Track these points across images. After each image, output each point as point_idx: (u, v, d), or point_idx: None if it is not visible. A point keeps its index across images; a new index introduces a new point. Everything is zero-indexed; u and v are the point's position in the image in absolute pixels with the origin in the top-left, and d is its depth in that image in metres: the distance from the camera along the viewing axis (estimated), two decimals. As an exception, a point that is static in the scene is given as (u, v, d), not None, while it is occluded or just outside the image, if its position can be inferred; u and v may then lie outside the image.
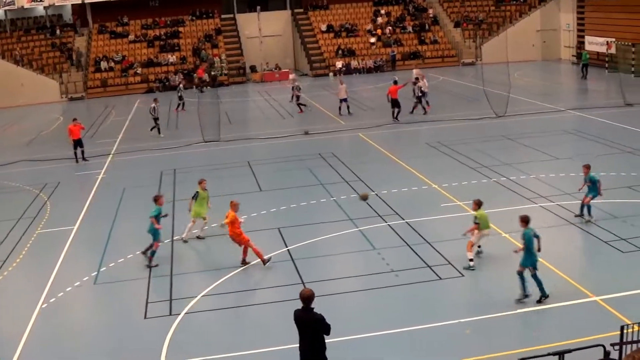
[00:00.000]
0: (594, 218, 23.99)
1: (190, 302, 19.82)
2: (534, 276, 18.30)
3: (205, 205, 25.25)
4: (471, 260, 20.87)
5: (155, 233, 22.96)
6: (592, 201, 23.94)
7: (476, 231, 20.98)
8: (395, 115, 44.39)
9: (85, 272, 22.61)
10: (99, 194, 31.74)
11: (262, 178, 32.64)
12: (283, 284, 20.71)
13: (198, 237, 25.13)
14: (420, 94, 46.08)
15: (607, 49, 62.36)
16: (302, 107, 50.48)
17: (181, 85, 57.15)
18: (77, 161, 38.63)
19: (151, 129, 44.93)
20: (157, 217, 23.06)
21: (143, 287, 21.15)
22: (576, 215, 24.33)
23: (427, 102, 46.61)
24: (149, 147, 41.44)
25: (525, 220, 18.73)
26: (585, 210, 24.24)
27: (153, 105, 44.57)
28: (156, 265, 22.80)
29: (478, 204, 21.12)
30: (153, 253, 23.01)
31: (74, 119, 39.74)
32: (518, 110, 44.55)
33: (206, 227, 25.33)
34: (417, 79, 47.18)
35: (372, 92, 59.20)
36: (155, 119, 44.74)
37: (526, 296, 18.36)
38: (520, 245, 18.74)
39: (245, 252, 22.21)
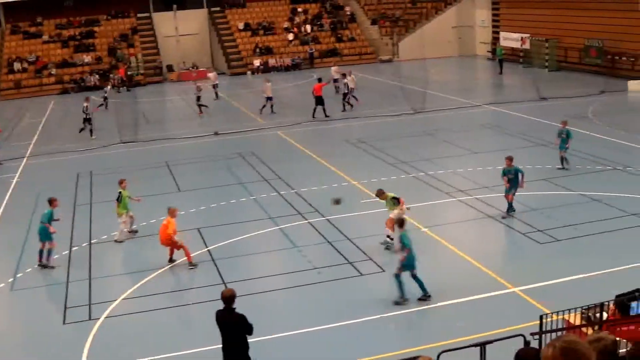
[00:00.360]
0: (515, 212, 24.25)
1: (110, 305, 19.53)
2: (414, 277, 18.41)
3: (129, 204, 25.11)
4: (389, 236, 21.71)
5: (46, 235, 22.65)
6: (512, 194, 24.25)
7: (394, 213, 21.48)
8: (314, 113, 44.34)
9: (1, 278, 22.11)
10: (14, 198, 31.07)
11: (180, 178, 32.34)
12: (204, 284, 20.54)
13: (115, 241, 24.84)
14: (347, 90, 46.28)
15: (521, 45, 63.39)
16: (202, 108, 49.55)
17: (108, 87, 56.17)
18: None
19: (80, 131, 43.69)
20: (50, 221, 22.78)
21: (61, 292, 20.75)
22: (503, 217, 24.21)
23: (355, 98, 46.88)
24: (65, 149, 40.69)
25: (400, 224, 18.86)
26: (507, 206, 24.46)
27: (85, 104, 43.64)
28: (54, 267, 22.68)
29: (381, 192, 22.01)
30: (50, 252, 22.82)
31: None
32: (435, 105, 45.03)
33: (134, 227, 25.16)
34: (344, 75, 47.42)
35: (291, 90, 59.18)
36: (88, 120, 43.53)
37: (405, 299, 18.39)
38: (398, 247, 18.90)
39: (172, 252, 22.02)
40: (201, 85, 50.71)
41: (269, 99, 47.04)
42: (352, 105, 46.25)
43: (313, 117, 44.14)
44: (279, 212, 26.27)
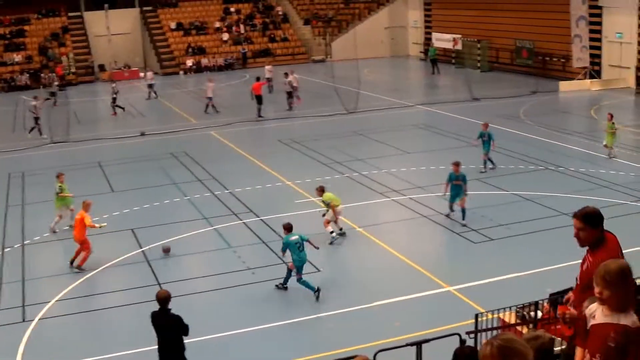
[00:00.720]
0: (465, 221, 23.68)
1: (44, 307, 19.30)
2: (299, 280, 18.85)
3: (69, 198, 25.53)
4: (332, 232, 22.28)
5: None
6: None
7: (331, 211, 22.17)
8: (258, 112, 44.43)
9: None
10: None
11: (113, 178, 32.05)
12: (139, 285, 20.42)
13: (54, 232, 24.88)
14: (290, 89, 46.37)
15: (453, 45, 64.11)
16: (117, 109, 49.08)
17: (55, 83, 55.13)
18: None
19: (30, 130, 42.95)
20: None
21: (-7, 294, 20.49)
22: (463, 224, 23.53)
23: (297, 97, 47.10)
24: (-5, 149, 40.13)
25: (287, 228, 19.32)
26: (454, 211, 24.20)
27: (34, 103, 42.91)
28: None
29: (322, 190, 22.47)
30: None
31: None
32: (368, 106, 45.30)
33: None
34: (286, 74, 47.54)
35: (224, 90, 58.94)
36: (36, 119, 42.59)
37: (318, 290, 18.68)
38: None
39: (78, 254, 21.87)
40: (116, 86, 50.38)
41: (209, 98, 46.73)
42: (290, 105, 46.32)
43: (259, 116, 44.19)
44: (214, 213, 26.22)
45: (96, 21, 74.34)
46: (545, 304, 13.89)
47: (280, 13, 78.67)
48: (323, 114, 44.19)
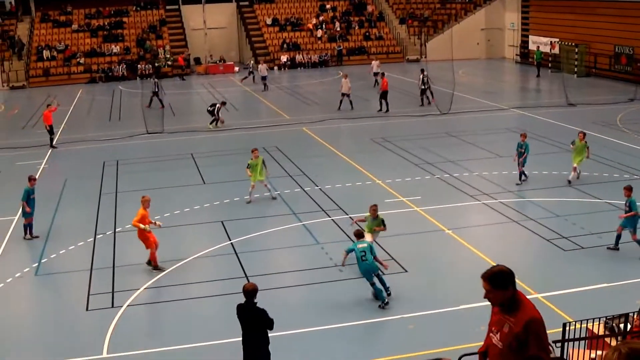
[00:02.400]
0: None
1: (132, 294, 19.64)
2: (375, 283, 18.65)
3: (262, 171, 27.29)
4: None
5: (24, 212, 24.27)
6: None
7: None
8: (385, 108, 45.17)
9: (26, 263, 22.30)
10: (40, 185, 31.08)
11: (205, 171, 32.45)
12: (226, 277, 20.64)
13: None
14: (424, 86, 47.35)
15: (550, 49, 63.13)
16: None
17: (156, 80, 56.14)
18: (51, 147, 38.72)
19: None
20: (27, 199, 24.15)
21: (85, 279, 20.91)
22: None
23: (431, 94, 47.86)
24: (92, 137, 40.99)
25: (356, 235, 19.30)
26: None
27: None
28: (37, 237, 24.33)
29: (374, 209, 21.20)
30: (27, 227, 24.39)
31: (48, 105, 40.32)
32: (462, 107, 44.91)
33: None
34: (422, 70, 47.77)
35: (316, 86, 59.21)
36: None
37: (386, 303, 18.42)
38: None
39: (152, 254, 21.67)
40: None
41: (346, 95, 46.58)
42: (429, 101, 46.94)
43: (383, 111, 45.09)
44: (303, 209, 26.32)
45: (193, 15, 75.43)
46: (635, 317, 13.58)
47: (376, 11, 78.54)
48: (416, 114, 43.99)
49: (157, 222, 22.21)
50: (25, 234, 24.41)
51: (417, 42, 75.21)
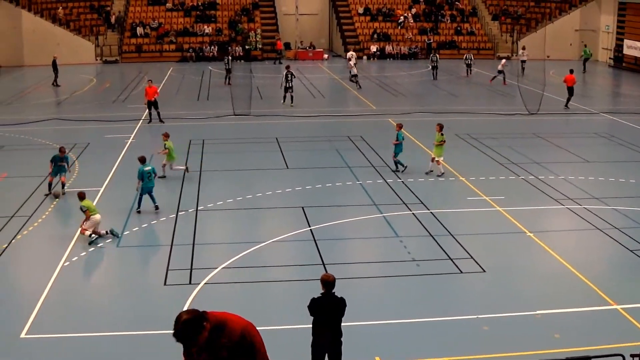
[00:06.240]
0: None
1: (210, 272, 19.86)
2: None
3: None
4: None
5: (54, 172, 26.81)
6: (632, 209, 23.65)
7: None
8: (567, 103, 45.55)
9: (108, 235, 22.68)
10: (127, 158, 31.72)
11: (289, 156, 32.61)
12: (304, 263, 20.75)
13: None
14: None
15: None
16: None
17: (230, 57, 56.68)
18: (150, 122, 39.60)
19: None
20: (56, 163, 26.90)
21: (165, 254, 21.22)
22: None
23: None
24: (180, 115, 41.56)
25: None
26: None
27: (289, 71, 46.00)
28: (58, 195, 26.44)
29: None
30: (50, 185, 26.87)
31: (149, 81, 41.16)
32: (551, 109, 44.24)
33: None
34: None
35: (404, 78, 58.99)
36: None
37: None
38: None
39: None
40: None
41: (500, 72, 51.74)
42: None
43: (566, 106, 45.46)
44: (384, 200, 26.25)
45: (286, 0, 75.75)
46: None
47: (469, 6, 77.83)
48: (504, 112, 43.51)
49: None
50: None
51: (509, 39, 74.31)
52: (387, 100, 47.71)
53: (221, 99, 46.70)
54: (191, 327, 8.53)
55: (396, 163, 30.12)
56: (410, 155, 31.41)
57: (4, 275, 20.15)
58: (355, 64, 53.96)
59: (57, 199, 26.19)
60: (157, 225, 23.72)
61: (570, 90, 45.21)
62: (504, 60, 55.73)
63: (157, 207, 24.88)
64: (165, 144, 28.68)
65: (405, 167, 30.02)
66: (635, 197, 26.88)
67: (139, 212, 24.63)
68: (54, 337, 16.51)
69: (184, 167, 29.39)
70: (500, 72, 54.26)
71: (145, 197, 24.93)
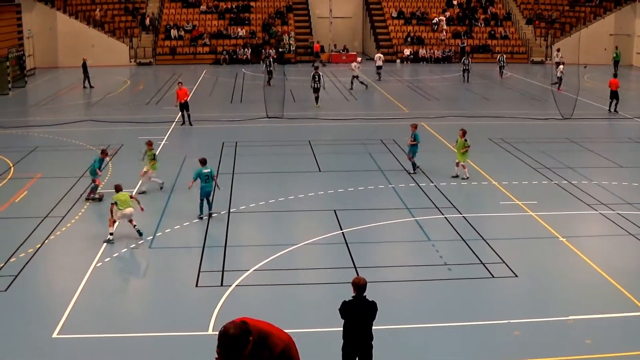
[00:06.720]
0: None
1: (242, 275, 19.91)
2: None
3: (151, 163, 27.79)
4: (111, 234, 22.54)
5: (93, 173, 26.64)
6: None
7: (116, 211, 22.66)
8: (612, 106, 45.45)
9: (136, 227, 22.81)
10: (160, 160, 31.86)
11: (321, 158, 32.66)
12: (335, 266, 20.76)
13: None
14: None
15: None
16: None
17: (271, 59, 56.88)
18: (183, 124, 39.92)
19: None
20: (99, 166, 26.83)
21: (196, 256, 21.33)
22: None
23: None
24: (213, 117, 41.78)
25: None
26: None
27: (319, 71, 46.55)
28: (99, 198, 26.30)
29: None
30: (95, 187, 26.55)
31: (179, 82, 41.50)
32: (585, 114, 43.94)
33: None
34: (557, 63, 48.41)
35: (438, 82, 58.88)
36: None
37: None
38: None
39: None
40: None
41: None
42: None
43: (614, 110, 45.20)
44: (416, 204, 26.22)
45: (320, 3, 75.99)
46: None
47: (503, 10, 77.53)
48: (537, 116, 43.30)
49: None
50: (92, 193, 26.45)
51: (543, 44, 73.90)
52: (420, 103, 47.68)
53: (254, 102, 46.87)
54: (238, 343, 8.63)
55: (413, 165, 30.16)
56: (447, 159, 31.32)
57: (37, 275, 20.33)
58: (358, 68, 54.35)
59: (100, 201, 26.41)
60: (189, 227, 23.83)
61: (615, 95, 44.97)
62: (561, 66, 55.11)
63: (211, 215, 24.65)
64: (147, 152, 27.96)
65: (417, 169, 30.20)
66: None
67: (200, 218, 24.51)
68: (85, 337, 16.63)
69: (161, 182, 28.20)
70: (560, 78, 53.89)
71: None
